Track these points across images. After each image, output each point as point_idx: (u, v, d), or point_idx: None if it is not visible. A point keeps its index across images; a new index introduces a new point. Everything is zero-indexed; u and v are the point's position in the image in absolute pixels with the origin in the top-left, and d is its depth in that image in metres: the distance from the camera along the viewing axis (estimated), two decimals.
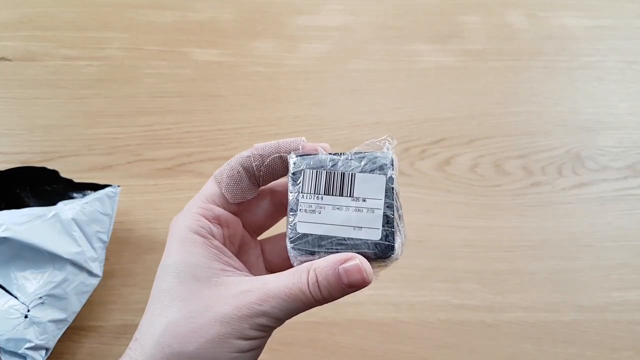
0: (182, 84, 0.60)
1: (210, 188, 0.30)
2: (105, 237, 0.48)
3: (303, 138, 0.29)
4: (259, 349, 0.27)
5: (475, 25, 0.65)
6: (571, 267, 0.53)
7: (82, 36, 0.63)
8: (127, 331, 0.49)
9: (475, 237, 0.54)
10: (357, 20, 0.65)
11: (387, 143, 0.29)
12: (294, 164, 0.29)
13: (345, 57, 0.63)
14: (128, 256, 0.52)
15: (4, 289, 0.44)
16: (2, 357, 0.43)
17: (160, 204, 0.54)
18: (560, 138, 0.59)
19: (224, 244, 0.30)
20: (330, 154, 0.29)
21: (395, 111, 0.60)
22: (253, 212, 0.32)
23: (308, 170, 0.28)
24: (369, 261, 0.27)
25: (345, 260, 0.26)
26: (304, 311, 0.27)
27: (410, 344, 0.49)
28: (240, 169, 0.29)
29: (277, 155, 0.29)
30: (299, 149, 0.29)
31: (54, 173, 0.50)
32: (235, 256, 0.30)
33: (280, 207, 0.32)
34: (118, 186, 0.50)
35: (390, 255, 0.27)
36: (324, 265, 0.26)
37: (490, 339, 0.50)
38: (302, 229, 0.28)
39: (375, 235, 0.27)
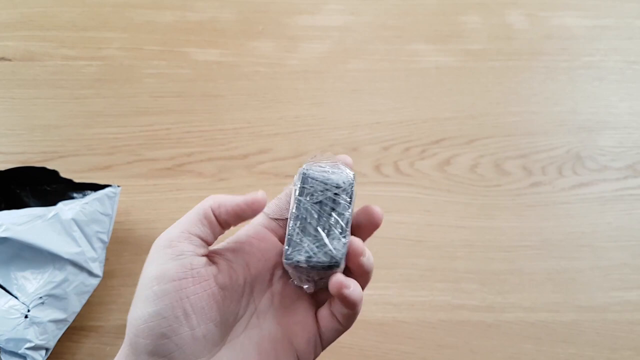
0: (182, 84, 0.60)
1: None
2: (105, 237, 0.48)
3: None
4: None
5: (475, 25, 0.65)
6: (571, 267, 0.53)
7: (82, 36, 0.63)
8: None
9: (475, 237, 0.54)
10: (357, 20, 0.65)
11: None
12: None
13: (345, 57, 0.63)
14: (128, 256, 0.52)
15: (4, 289, 0.44)
16: (2, 357, 0.43)
17: (160, 204, 0.54)
18: (560, 138, 0.59)
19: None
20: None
21: (395, 111, 0.60)
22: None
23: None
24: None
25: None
26: None
27: (410, 344, 0.49)
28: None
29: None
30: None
31: (54, 173, 0.50)
32: None
33: None
34: (118, 186, 0.50)
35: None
36: None
37: (490, 339, 0.50)
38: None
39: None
